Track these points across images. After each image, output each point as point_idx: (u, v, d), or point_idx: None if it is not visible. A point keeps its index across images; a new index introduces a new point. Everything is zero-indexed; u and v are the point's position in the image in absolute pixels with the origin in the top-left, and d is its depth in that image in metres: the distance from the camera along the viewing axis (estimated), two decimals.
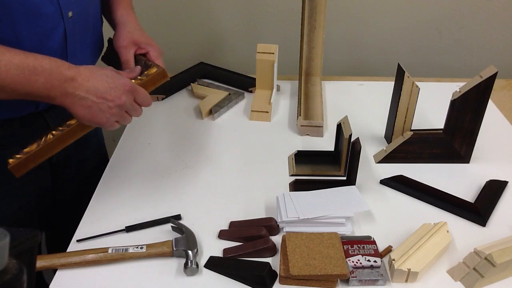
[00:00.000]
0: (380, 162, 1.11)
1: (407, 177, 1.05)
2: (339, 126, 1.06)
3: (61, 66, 0.78)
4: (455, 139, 1.09)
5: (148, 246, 0.86)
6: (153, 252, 0.85)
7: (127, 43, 0.97)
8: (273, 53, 1.28)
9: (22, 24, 0.81)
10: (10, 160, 0.80)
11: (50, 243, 1.31)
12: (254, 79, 1.35)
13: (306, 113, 1.24)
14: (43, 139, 0.82)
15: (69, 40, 0.90)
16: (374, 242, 0.86)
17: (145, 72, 0.90)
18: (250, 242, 0.87)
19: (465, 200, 0.98)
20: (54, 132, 0.83)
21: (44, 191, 1.05)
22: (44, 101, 0.79)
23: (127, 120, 0.86)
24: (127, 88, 0.83)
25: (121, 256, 0.84)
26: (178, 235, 0.89)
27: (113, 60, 1.03)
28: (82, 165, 1.13)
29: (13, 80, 0.74)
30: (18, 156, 0.80)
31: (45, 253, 1.22)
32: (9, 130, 0.93)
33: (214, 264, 0.84)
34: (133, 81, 0.87)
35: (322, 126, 1.20)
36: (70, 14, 0.88)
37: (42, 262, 0.82)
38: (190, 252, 0.83)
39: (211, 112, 1.28)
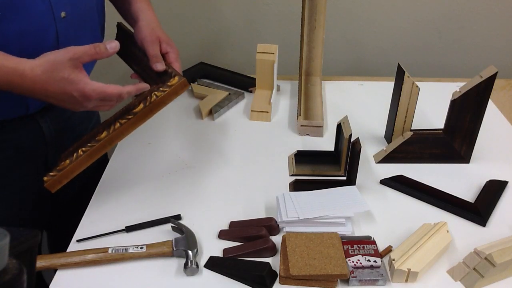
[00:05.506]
0: (380, 162, 1.11)
1: (407, 177, 1.04)
2: (339, 126, 1.06)
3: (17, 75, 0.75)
4: (455, 139, 1.09)
5: (148, 246, 0.86)
6: (153, 252, 0.85)
7: (154, 38, 0.94)
8: (273, 53, 1.28)
9: (9, 21, 0.78)
10: (45, 178, 0.86)
11: (52, 243, 1.31)
12: (254, 79, 1.35)
13: (306, 113, 1.24)
14: (74, 155, 0.86)
15: (61, 41, 0.86)
16: (374, 242, 0.86)
17: (167, 83, 0.87)
18: (250, 242, 0.87)
19: (465, 200, 0.98)
20: (83, 148, 0.86)
21: (43, 195, 1.05)
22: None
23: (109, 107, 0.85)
24: (81, 94, 0.78)
25: (121, 256, 0.84)
26: (178, 235, 0.89)
27: (125, 51, 1.01)
28: None
29: None
30: (52, 174, 0.86)
31: (47, 253, 1.22)
32: (1, 134, 0.92)
33: (214, 264, 0.84)
34: (156, 93, 0.86)
35: (322, 126, 1.20)
36: (63, 14, 0.85)
37: (42, 262, 0.82)
38: (190, 252, 0.83)
39: (211, 112, 1.28)
